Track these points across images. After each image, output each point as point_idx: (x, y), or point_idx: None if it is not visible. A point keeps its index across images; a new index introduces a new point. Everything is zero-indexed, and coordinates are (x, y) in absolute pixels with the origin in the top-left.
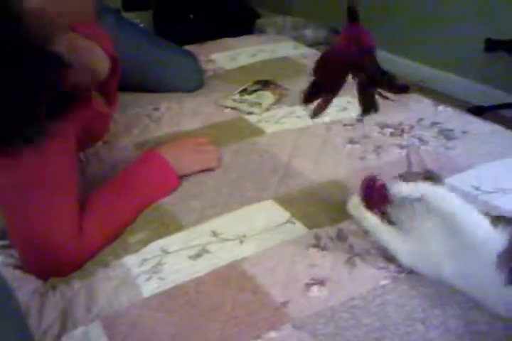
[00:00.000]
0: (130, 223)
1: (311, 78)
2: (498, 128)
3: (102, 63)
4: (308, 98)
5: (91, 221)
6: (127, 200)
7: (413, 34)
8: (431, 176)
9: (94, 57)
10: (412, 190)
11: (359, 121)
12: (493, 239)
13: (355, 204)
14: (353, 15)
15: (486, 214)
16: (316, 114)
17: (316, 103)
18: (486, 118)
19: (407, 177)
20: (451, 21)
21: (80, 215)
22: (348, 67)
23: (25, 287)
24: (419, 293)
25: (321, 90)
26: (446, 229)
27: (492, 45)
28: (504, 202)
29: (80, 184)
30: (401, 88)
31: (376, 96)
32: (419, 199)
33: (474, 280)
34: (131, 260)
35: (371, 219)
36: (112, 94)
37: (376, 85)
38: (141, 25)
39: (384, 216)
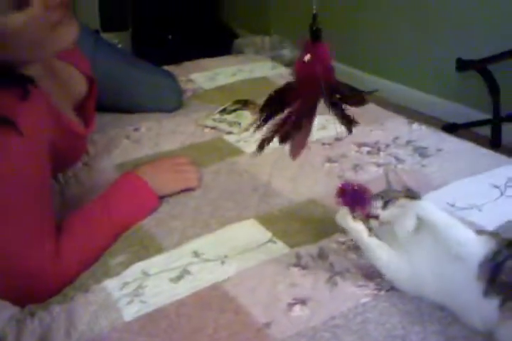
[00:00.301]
0: (109, 246)
1: (266, 114)
2: (470, 145)
3: (78, 84)
4: (284, 136)
5: (68, 244)
6: (106, 223)
7: (388, 54)
8: (410, 194)
9: (71, 78)
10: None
11: (337, 140)
12: (477, 249)
13: (343, 215)
14: (315, 35)
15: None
16: (298, 151)
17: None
18: (459, 136)
19: (387, 195)
20: (424, 42)
21: (56, 238)
22: (318, 91)
23: (1, 313)
24: (399, 310)
25: (295, 124)
26: (433, 241)
27: (463, 65)
28: (479, 217)
29: (58, 206)
30: (359, 101)
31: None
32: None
33: (455, 295)
34: (111, 283)
35: (359, 232)
36: (89, 115)
37: (343, 100)
38: (120, 45)
39: (371, 231)
